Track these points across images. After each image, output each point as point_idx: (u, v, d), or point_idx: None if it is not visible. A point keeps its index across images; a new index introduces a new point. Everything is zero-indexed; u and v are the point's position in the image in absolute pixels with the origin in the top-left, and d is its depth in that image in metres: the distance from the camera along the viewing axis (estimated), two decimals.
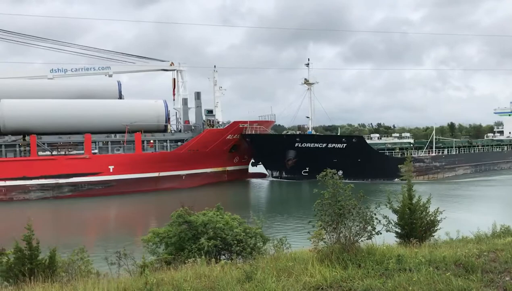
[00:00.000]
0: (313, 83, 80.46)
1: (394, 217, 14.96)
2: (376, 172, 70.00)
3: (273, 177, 75.99)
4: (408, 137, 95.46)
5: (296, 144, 71.43)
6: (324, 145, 70.89)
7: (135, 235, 35.72)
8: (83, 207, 55.24)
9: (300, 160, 70.61)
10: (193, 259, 12.68)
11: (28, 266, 12.32)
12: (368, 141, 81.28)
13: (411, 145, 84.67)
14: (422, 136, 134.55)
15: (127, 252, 14.72)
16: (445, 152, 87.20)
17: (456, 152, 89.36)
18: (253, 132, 73.16)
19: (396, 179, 62.72)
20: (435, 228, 14.72)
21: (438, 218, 14.81)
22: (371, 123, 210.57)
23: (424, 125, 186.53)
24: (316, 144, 71.20)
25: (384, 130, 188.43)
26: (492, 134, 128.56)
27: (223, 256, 15.23)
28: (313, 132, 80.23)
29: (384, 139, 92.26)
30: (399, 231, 14.60)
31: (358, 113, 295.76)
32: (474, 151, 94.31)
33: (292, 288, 8.99)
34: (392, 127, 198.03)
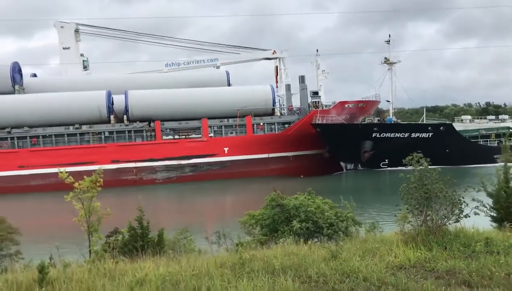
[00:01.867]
0: (394, 63, 72.74)
1: (489, 201, 14.58)
2: (468, 164, 61.80)
3: (347, 170, 69.96)
4: (506, 120, 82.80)
5: (374, 135, 65.31)
6: (406, 135, 64.12)
7: (236, 217, 37.41)
8: (198, 192, 59.79)
9: (378, 151, 64.59)
10: (284, 239, 13.52)
11: (140, 243, 13.98)
12: (458, 125, 74.02)
13: (510, 130, 74.12)
14: None
15: (226, 232, 16.04)
16: None
17: None
18: (323, 122, 68.25)
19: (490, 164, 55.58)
20: None
21: None
22: (478, 103, 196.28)
23: None
24: (397, 134, 64.65)
25: (493, 109, 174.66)
26: None
27: (316, 239, 15.83)
28: (394, 119, 72.67)
29: (477, 123, 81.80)
30: (495, 215, 14.22)
31: (464, 92, 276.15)
32: None
33: (375, 267, 9.45)
34: (502, 106, 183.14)
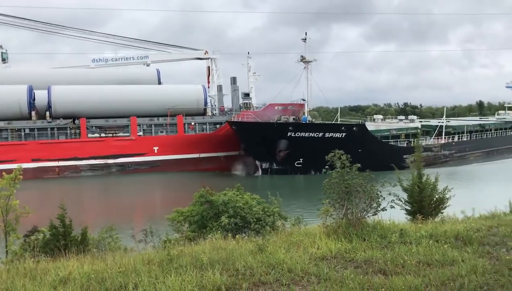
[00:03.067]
0: (310, 61, 71.11)
1: (404, 195, 15.62)
2: (379, 164, 63.83)
3: (262, 169, 67.67)
4: (414, 121, 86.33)
5: (289, 134, 64.14)
6: (320, 134, 63.53)
7: (164, 213, 37.04)
8: (122, 183, 59.14)
9: (293, 151, 63.71)
10: (212, 234, 13.67)
11: (63, 242, 13.52)
12: (370, 125, 75.14)
13: (418, 130, 75.04)
14: (449, 115, 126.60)
15: (153, 230, 15.89)
16: (456, 138, 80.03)
17: (467, 137, 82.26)
18: (239, 120, 68.41)
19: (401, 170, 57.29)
20: (444, 205, 15.32)
21: (447, 196, 15.39)
22: (397, 103, 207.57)
23: (452, 104, 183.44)
24: (311, 133, 63.98)
25: (410, 109, 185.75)
26: (503, 111, 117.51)
27: (244, 234, 16.11)
28: (309, 118, 71.83)
29: (388, 123, 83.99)
30: (409, 208, 15.26)
31: (384, 93, 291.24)
32: (487, 135, 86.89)
33: (299, 258, 9.86)
34: (419, 106, 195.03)
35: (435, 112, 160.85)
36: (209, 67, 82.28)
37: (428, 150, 70.69)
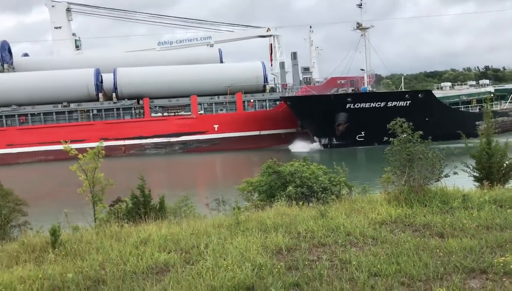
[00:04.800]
0: (367, 28, 66.73)
1: (473, 163, 15.39)
2: (450, 132, 54.27)
3: (321, 145, 64.35)
4: (487, 85, 79.02)
5: (348, 105, 60.65)
6: (382, 104, 59.88)
7: (235, 184, 38.51)
8: (190, 161, 60.88)
9: (353, 123, 60.23)
10: (278, 202, 14.38)
11: (143, 210, 14.84)
12: (438, 93, 69.82)
13: (492, 95, 69.34)
14: None
15: (225, 199, 16.93)
16: None
17: None
18: (294, 94, 65.96)
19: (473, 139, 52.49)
20: None
21: None
22: (477, 67, 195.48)
23: None
24: (372, 104, 60.26)
25: (492, 73, 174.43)
26: None
27: (311, 204, 16.69)
28: (369, 88, 67.81)
29: (457, 90, 77.34)
30: (477, 175, 15.04)
31: (462, 57, 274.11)
32: None
33: (359, 223, 10.31)
34: (501, 69, 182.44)
35: None
36: (271, 44, 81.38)
37: (504, 115, 66.12)
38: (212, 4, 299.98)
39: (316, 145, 64.34)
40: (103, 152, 16.15)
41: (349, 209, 11.92)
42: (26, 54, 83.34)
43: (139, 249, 9.45)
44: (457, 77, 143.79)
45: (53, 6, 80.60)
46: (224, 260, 8.30)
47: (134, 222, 13.61)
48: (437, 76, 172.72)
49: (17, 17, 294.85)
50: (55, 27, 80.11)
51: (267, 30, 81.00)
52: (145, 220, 13.61)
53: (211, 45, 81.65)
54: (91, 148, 15.82)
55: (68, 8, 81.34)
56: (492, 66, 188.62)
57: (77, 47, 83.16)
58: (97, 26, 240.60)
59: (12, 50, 77.82)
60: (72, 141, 58.87)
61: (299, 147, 62.88)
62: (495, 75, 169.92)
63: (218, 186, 41.13)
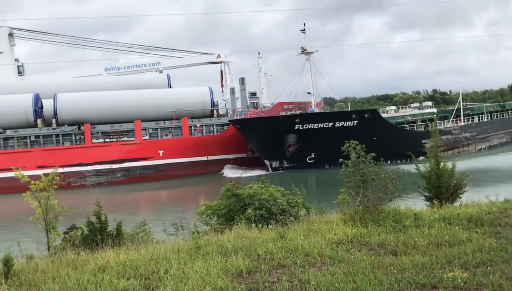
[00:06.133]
0: (311, 52, 66.52)
1: (423, 182, 16.05)
2: (397, 152, 56.44)
3: (272, 168, 62.74)
4: (430, 107, 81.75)
5: (297, 127, 59.39)
6: (330, 124, 59.26)
7: (190, 210, 38.29)
8: (136, 190, 58.63)
9: (303, 145, 59.17)
10: (238, 225, 14.47)
11: (99, 237, 14.57)
12: (384, 115, 70.81)
13: (435, 115, 72.72)
14: (480, 101, 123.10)
15: (183, 224, 16.83)
16: (475, 119, 76.08)
17: (488, 118, 78.12)
18: (243, 117, 65.09)
19: (421, 157, 52.63)
20: (462, 191, 15.68)
21: (465, 182, 15.75)
22: (426, 90, 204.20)
23: (482, 89, 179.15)
24: (321, 124, 59.43)
25: (440, 96, 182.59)
26: None
27: (270, 226, 16.84)
28: (317, 110, 67.78)
29: (402, 112, 79.96)
30: (427, 194, 15.70)
31: (411, 80, 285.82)
32: (508, 115, 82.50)
33: (317, 243, 10.57)
34: (448, 92, 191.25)
35: (465, 98, 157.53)
36: (222, 71, 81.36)
37: (448, 133, 67.78)
38: (168, 29, 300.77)
39: (250, 170, 62.83)
40: (57, 178, 15.79)
41: (307, 230, 12.19)
42: None
43: (97, 276, 9.30)
44: (407, 100, 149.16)
45: None
46: (185, 284, 8.32)
47: (91, 249, 13.35)
48: (388, 99, 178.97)
49: None
50: None
51: (218, 57, 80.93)
52: (102, 246, 13.38)
53: (160, 71, 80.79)
54: (45, 175, 15.44)
55: (11, 33, 78.68)
56: (440, 89, 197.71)
57: (19, 73, 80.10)
58: (51, 50, 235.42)
59: None
60: (7, 170, 53.54)
61: (228, 172, 62.79)
62: (442, 98, 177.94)
63: (173, 212, 40.70)
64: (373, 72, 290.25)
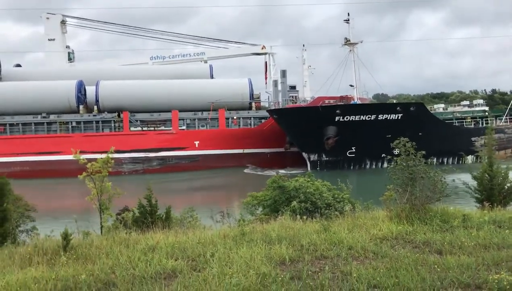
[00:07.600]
0: (356, 43, 63.63)
1: (475, 183, 15.67)
2: (445, 149, 54.67)
3: (310, 162, 60.27)
4: (482, 105, 77.55)
5: (337, 118, 56.85)
6: (373, 117, 56.41)
7: (234, 200, 38.76)
8: (174, 179, 58.91)
9: (343, 137, 56.62)
10: (283, 216, 14.69)
11: (150, 219, 15.21)
12: (431, 111, 67.75)
13: (486, 113, 68.93)
14: None
15: (230, 212, 17.28)
16: None
17: None
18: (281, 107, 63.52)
19: (470, 155, 49.48)
20: None
21: None
22: (484, 90, 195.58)
23: None
24: (362, 116, 56.68)
25: (499, 96, 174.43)
26: None
27: (315, 219, 16.97)
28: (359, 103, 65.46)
29: (451, 109, 76.78)
30: (478, 196, 15.31)
31: (467, 79, 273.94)
32: None
33: (361, 238, 10.63)
34: (509, 93, 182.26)
35: None
36: (266, 62, 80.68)
37: (500, 132, 62.91)
38: (222, 21, 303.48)
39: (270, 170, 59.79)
40: (112, 161, 16.53)
41: (351, 225, 12.24)
42: (18, 65, 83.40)
43: (147, 255, 9.80)
44: (463, 99, 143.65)
45: (47, 18, 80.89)
46: (230, 268, 8.64)
47: (141, 230, 13.97)
48: (443, 98, 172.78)
49: (32, 27, 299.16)
50: (48, 39, 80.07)
51: (262, 48, 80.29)
52: (152, 228, 13.98)
53: (205, 61, 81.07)
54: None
55: (63, 20, 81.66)
56: (499, 89, 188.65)
57: (70, 59, 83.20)
58: (108, 39, 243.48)
59: (4, 61, 77.80)
60: (47, 153, 55.31)
61: (249, 170, 62.92)
62: (501, 98, 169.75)
63: (221, 199, 41.40)
64: (428, 69, 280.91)
